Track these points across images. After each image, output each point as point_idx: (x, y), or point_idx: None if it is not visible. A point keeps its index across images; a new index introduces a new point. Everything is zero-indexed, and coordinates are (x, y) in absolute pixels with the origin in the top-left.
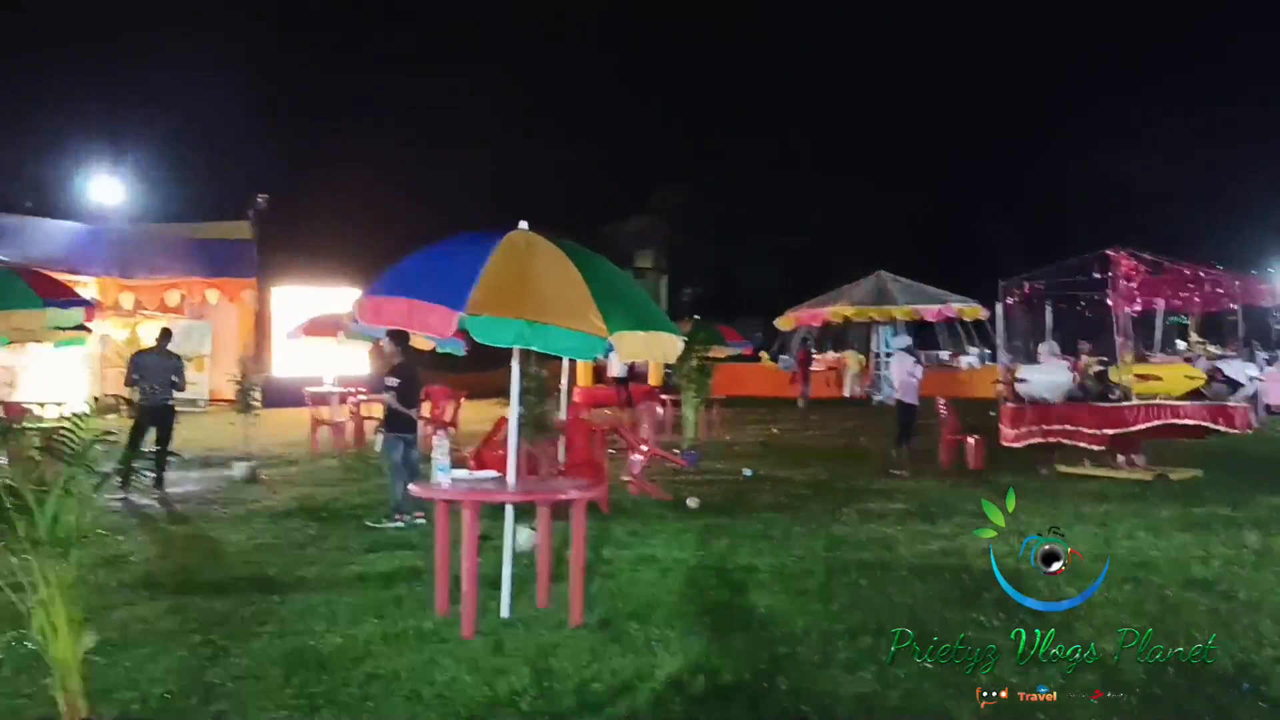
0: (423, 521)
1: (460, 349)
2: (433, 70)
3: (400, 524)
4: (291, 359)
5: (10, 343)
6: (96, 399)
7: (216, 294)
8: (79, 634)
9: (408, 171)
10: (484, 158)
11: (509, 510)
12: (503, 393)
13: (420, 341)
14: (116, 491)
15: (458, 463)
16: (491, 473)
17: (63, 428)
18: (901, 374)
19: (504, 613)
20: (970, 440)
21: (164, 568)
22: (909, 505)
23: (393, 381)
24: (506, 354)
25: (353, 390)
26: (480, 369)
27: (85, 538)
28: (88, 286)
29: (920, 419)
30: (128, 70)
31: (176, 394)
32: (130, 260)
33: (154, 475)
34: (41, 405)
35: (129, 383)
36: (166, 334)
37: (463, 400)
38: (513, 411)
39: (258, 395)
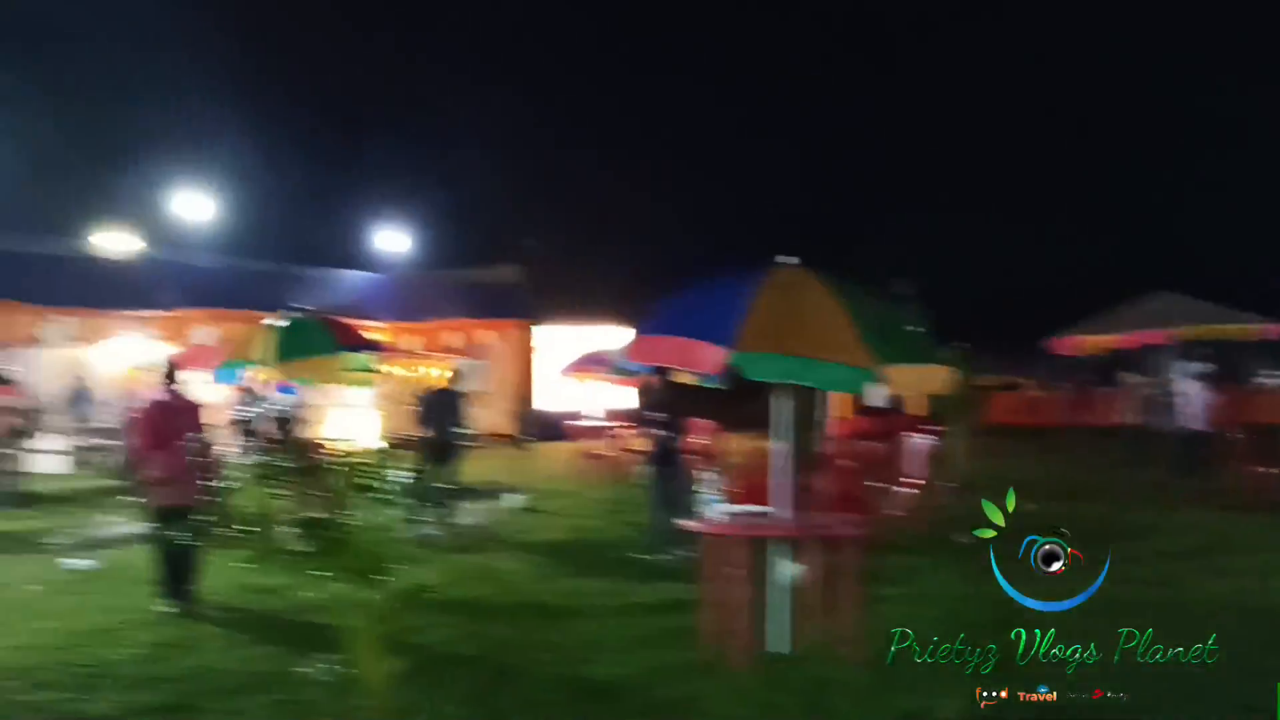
0: (689, 554)
1: (722, 383)
2: (690, 108)
3: (667, 556)
4: (556, 394)
5: (312, 385)
6: (388, 438)
7: (491, 334)
8: (385, 658)
9: (664, 209)
10: (735, 189)
11: (776, 544)
12: (755, 425)
13: (681, 375)
14: (411, 524)
15: (725, 497)
16: (759, 506)
17: (364, 464)
18: (1191, 400)
19: (773, 647)
20: (1270, 470)
21: (455, 596)
22: (1199, 541)
23: (658, 415)
24: (760, 386)
25: (616, 424)
26: (735, 401)
27: (390, 567)
28: (377, 331)
29: (1212, 448)
30: (410, 138)
31: (459, 430)
32: (413, 305)
33: (443, 508)
34: (334, 443)
35: (418, 421)
36: (455, 374)
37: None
38: (780, 445)
39: (531, 430)
